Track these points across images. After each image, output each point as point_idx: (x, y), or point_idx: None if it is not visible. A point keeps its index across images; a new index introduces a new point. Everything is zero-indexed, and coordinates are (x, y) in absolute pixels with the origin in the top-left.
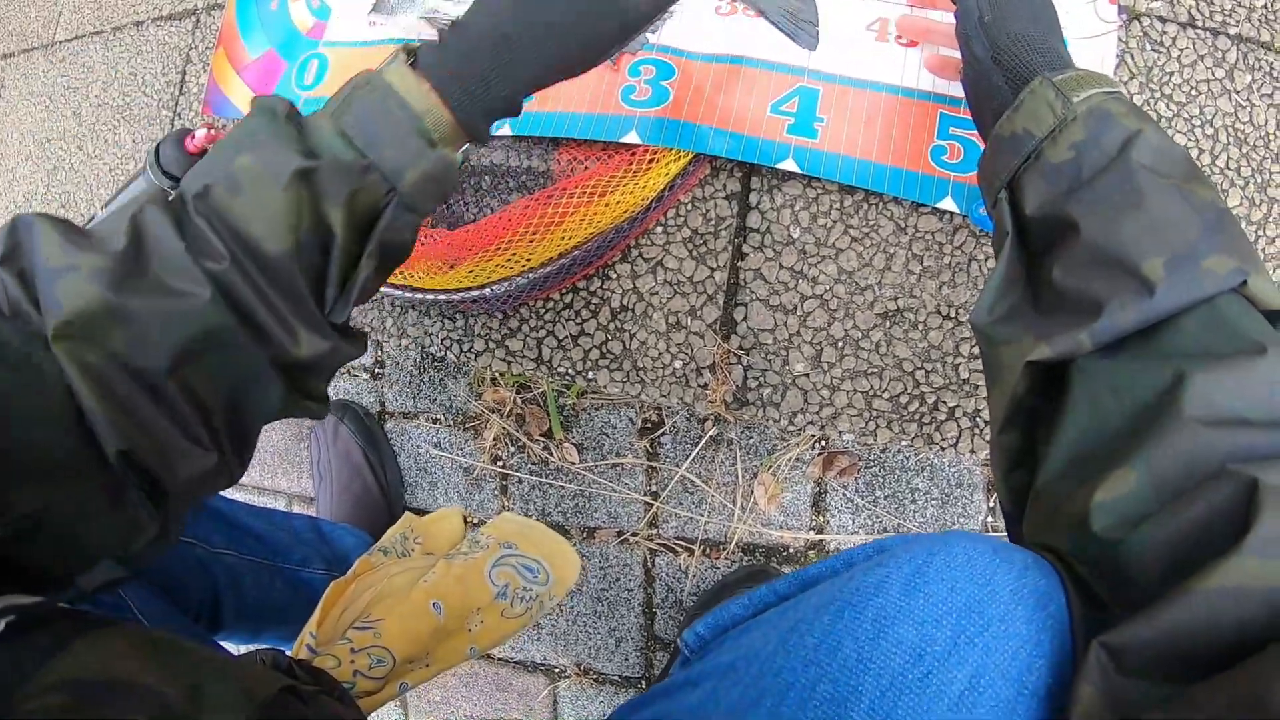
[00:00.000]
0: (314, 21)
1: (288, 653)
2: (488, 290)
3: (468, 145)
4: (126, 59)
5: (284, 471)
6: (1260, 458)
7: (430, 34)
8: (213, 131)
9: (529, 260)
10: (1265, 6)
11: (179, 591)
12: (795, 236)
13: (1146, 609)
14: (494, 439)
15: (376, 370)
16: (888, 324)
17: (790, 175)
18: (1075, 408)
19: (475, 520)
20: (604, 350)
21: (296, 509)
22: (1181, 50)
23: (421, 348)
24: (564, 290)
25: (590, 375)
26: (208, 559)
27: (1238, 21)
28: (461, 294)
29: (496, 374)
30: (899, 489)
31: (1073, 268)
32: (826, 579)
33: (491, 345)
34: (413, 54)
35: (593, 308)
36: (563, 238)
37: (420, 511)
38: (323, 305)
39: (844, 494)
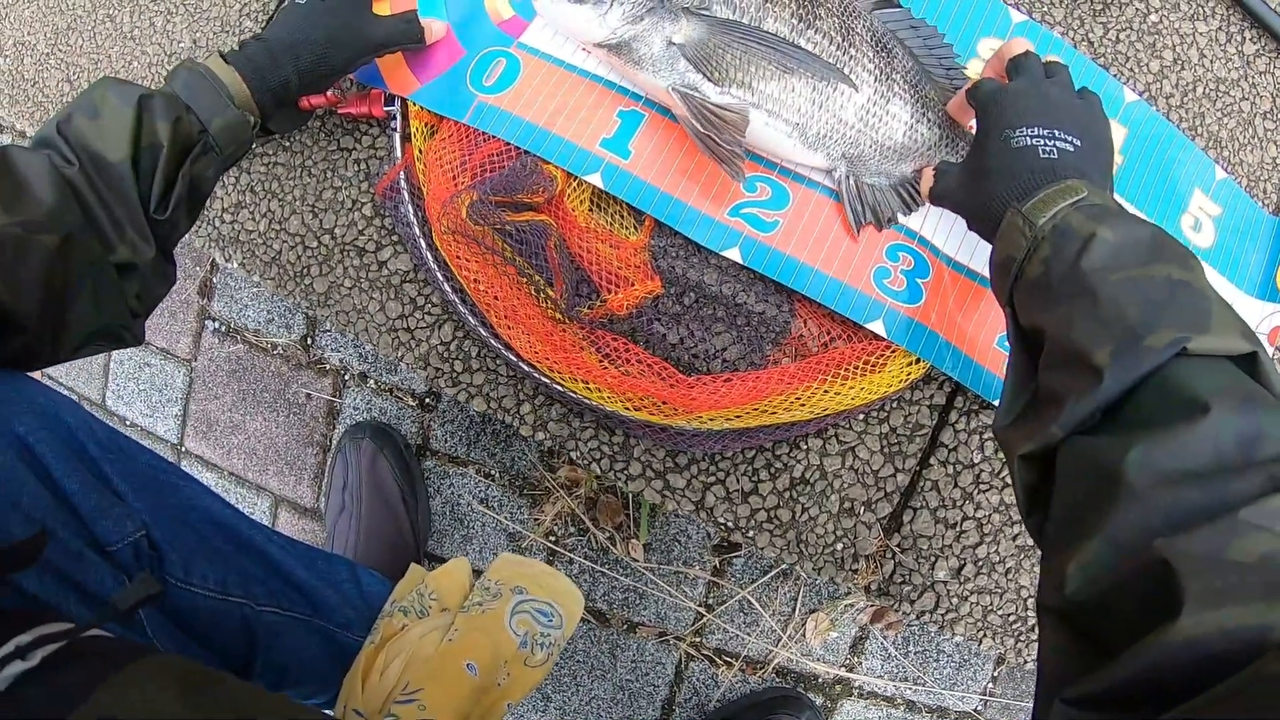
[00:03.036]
0: (512, 15)
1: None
2: (671, 427)
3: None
4: None
5: (276, 471)
6: (1202, 511)
7: (670, 104)
8: (338, 94)
9: (737, 421)
10: None
11: (215, 645)
12: (976, 462)
13: (1098, 670)
14: (555, 515)
15: (428, 401)
16: (1021, 555)
17: (987, 405)
18: (1058, 487)
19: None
20: (771, 515)
21: (282, 514)
22: None
23: (561, 448)
24: (749, 449)
25: (751, 535)
26: (251, 618)
27: None
28: (642, 419)
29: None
30: (928, 647)
31: (1046, 368)
32: None
33: (650, 475)
34: (224, 55)
35: (773, 472)
36: (788, 410)
37: (435, 558)
38: (148, 212)
39: (881, 642)
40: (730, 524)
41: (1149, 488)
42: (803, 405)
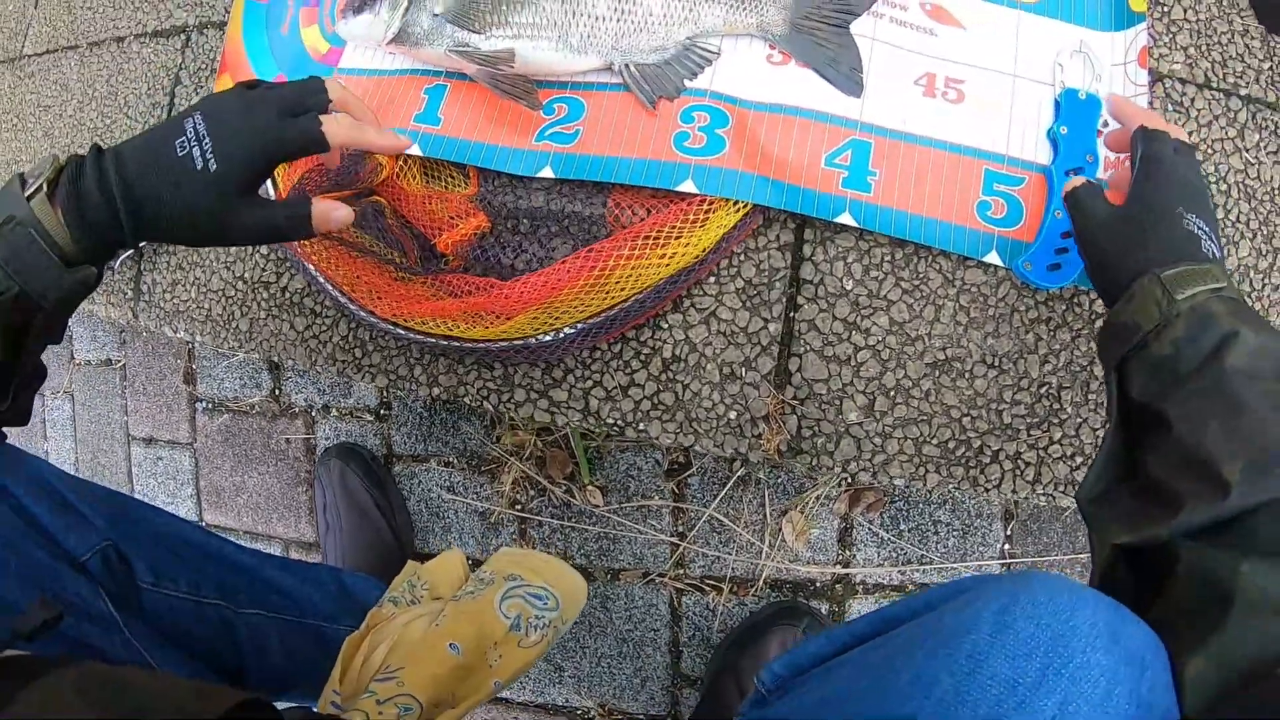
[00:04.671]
0: (329, 48)
1: (314, 709)
2: (532, 341)
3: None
4: (105, 77)
5: (279, 517)
6: None
7: (458, 66)
8: None
9: (579, 312)
10: (1272, 69)
11: (203, 654)
12: (848, 288)
13: None
14: (513, 483)
15: (382, 412)
16: (936, 373)
17: (843, 227)
18: (1163, 590)
19: (475, 561)
20: (655, 401)
21: (293, 554)
22: (1199, 110)
23: (455, 397)
24: (612, 340)
25: (642, 427)
26: (233, 619)
27: (1247, 83)
28: (503, 344)
29: (509, 417)
30: (922, 522)
31: (1163, 461)
32: (907, 620)
33: (534, 396)
34: (54, 184)
35: (643, 358)
36: (617, 289)
37: (428, 556)
38: None
39: (869, 529)
40: (618, 422)
41: (1264, 612)
42: (636, 275)
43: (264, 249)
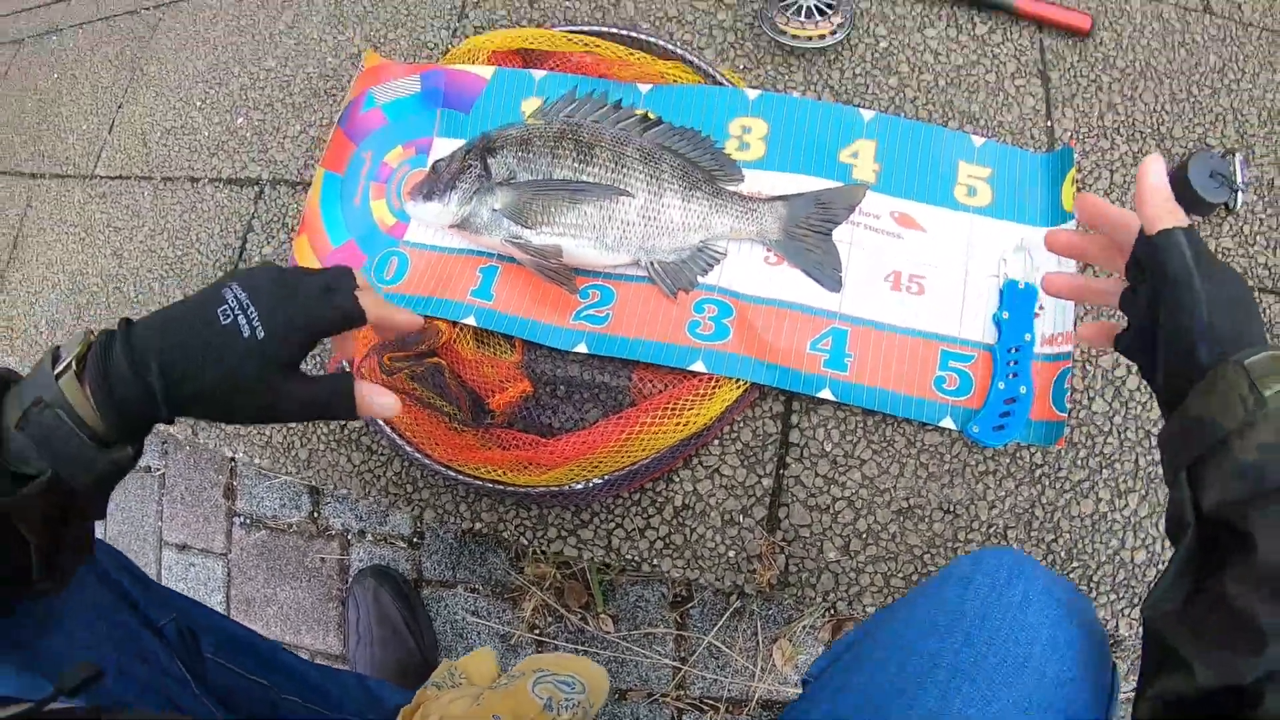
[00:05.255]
0: (395, 221)
1: None
2: (566, 488)
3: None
4: (179, 212)
5: (308, 629)
6: None
7: (510, 252)
8: None
9: (607, 467)
10: None
11: None
12: (828, 450)
13: None
14: (533, 609)
15: (415, 540)
16: (901, 518)
17: (824, 401)
18: None
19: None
20: (667, 542)
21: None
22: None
23: (495, 531)
24: (633, 490)
25: (655, 563)
26: (277, 701)
27: None
28: (541, 489)
29: (537, 550)
30: None
31: (1244, 587)
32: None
33: (564, 534)
34: (83, 361)
35: (658, 505)
36: (639, 449)
37: None
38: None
39: None
40: (635, 558)
41: None
42: (656, 439)
43: None
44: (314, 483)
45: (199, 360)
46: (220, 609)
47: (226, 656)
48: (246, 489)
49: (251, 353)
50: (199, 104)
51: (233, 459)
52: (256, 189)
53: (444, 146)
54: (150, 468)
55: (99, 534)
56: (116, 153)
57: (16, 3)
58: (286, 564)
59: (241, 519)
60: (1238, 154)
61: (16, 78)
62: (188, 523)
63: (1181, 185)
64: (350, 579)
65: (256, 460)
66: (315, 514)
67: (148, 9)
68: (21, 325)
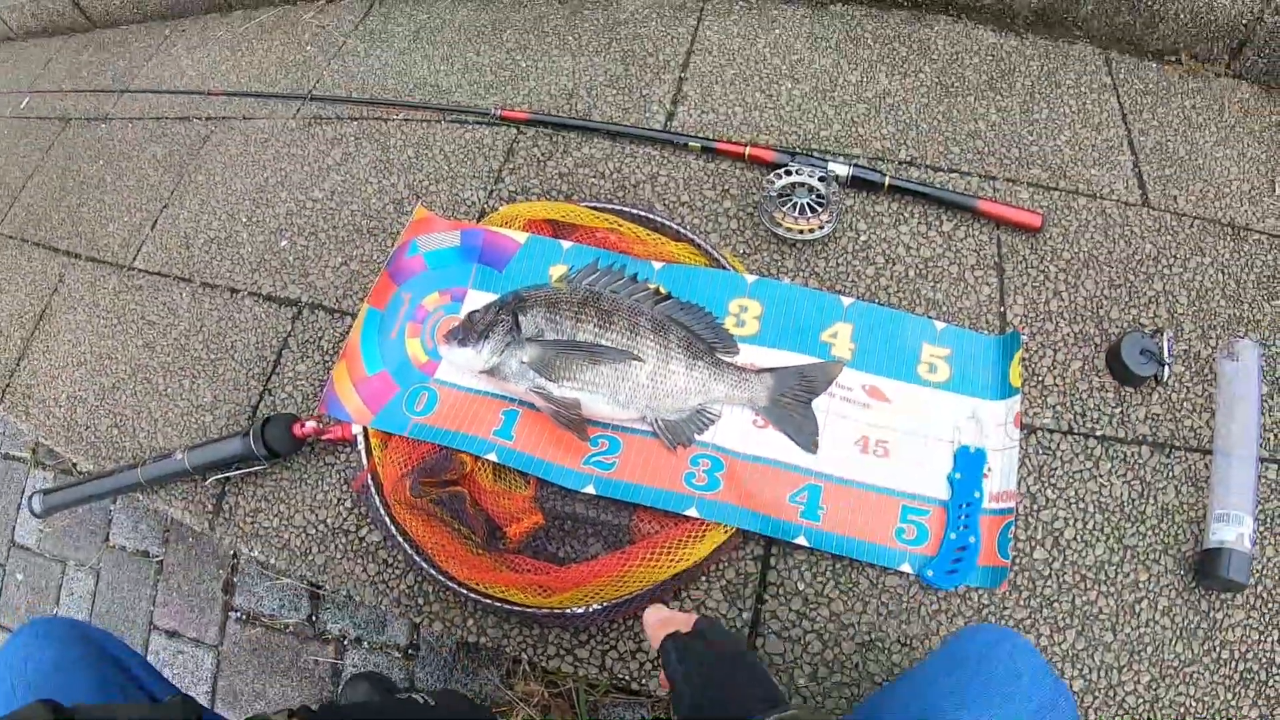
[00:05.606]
0: (427, 359)
1: None
2: (569, 612)
3: None
4: (216, 318)
5: None
6: None
7: (531, 399)
8: (321, 426)
9: (607, 595)
10: (1122, 412)
11: None
12: (801, 589)
13: None
14: None
15: (410, 651)
16: (864, 650)
17: (799, 546)
18: None
19: None
20: (656, 663)
21: None
22: (1063, 451)
23: (498, 645)
24: (628, 616)
25: (643, 682)
26: None
27: (1102, 426)
28: (545, 611)
29: (528, 668)
30: None
31: None
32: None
33: (562, 651)
34: None
35: None
36: (636, 582)
37: None
38: None
39: None
40: (626, 676)
41: None
42: (652, 573)
43: (348, 502)
44: (329, 588)
45: None
46: (205, 699)
47: None
48: (247, 586)
49: None
50: (244, 220)
51: (234, 556)
52: (295, 309)
53: (477, 298)
54: (149, 553)
55: (82, 615)
56: (158, 249)
57: (69, 81)
58: (279, 662)
59: (238, 614)
60: (1166, 332)
61: (59, 155)
62: (182, 612)
63: (1115, 361)
64: (342, 683)
65: (273, 560)
66: (314, 617)
67: (200, 119)
68: (40, 395)
